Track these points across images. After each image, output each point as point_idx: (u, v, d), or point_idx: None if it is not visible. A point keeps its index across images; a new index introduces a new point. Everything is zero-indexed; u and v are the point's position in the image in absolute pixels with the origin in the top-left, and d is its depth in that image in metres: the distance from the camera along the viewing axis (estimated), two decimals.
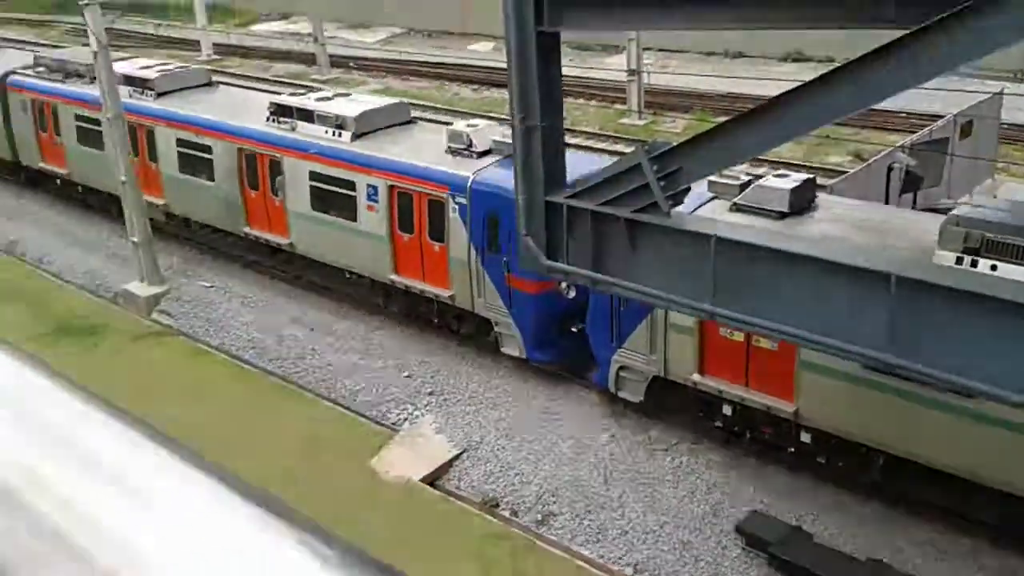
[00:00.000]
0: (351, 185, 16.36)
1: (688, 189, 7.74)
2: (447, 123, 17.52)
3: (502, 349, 15.41)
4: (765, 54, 35.10)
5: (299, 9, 41.16)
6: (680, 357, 12.77)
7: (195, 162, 19.25)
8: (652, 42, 31.86)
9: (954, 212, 10.38)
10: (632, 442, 13.71)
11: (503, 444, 13.90)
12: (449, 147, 15.57)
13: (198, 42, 39.07)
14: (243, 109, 19.07)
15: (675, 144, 7.77)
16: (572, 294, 14.52)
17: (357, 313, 17.73)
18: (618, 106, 29.73)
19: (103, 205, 22.34)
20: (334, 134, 16.98)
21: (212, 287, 19.43)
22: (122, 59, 23.07)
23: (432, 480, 13.36)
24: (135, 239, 18.72)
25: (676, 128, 27.27)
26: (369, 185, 16.05)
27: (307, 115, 17.45)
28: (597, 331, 13.75)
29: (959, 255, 9.72)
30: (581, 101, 30.10)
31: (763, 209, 11.98)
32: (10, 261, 21.40)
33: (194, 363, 16.50)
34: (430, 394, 15.26)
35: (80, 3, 17.73)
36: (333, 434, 14.25)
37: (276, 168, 17.74)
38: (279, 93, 21.11)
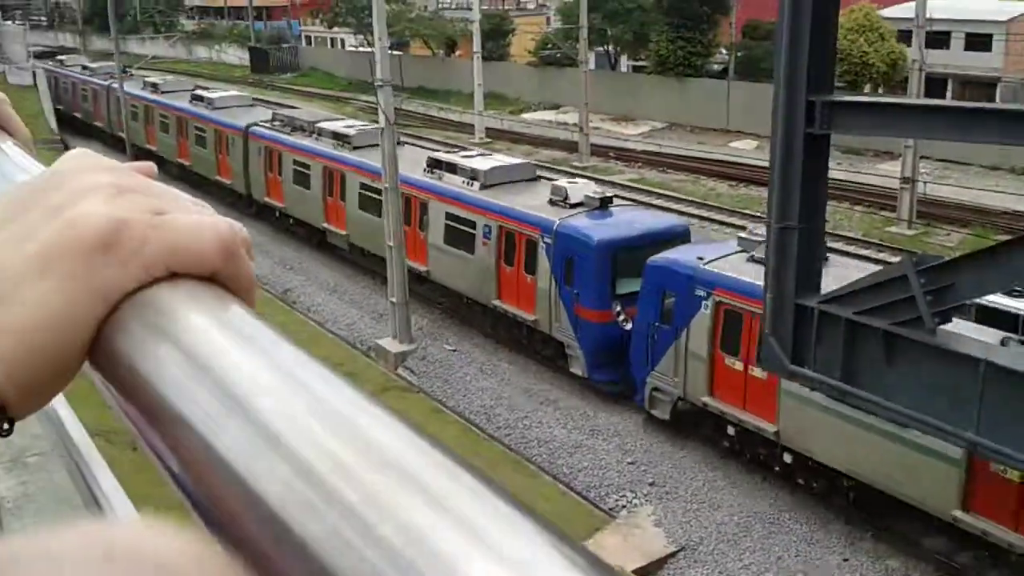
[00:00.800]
0: (472, 224, 19.69)
1: (960, 307, 7.20)
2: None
3: (571, 369, 17.81)
4: None
5: (568, 100, 43.07)
6: (695, 381, 15.12)
7: (370, 203, 22.78)
8: (930, 151, 30.11)
9: None
10: (867, 570, 12.63)
11: (724, 549, 13.29)
12: (550, 199, 18.54)
13: (473, 125, 41.87)
14: (413, 163, 21.96)
15: (947, 259, 7.29)
16: (629, 326, 16.56)
17: (585, 391, 17.85)
18: (886, 214, 28.26)
19: (308, 234, 26.43)
20: (468, 184, 20.33)
21: (455, 351, 20.38)
22: (329, 119, 28.48)
23: (645, 574, 13.00)
24: (393, 299, 20.11)
25: (950, 242, 25.45)
26: (485, 225, 19.37)
27: (452, 167, 21.14)
28: (637, 357, 16.13)
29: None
30: (846, 205, 28.93)
31: None
32: (284, 308, 23.66)
33: (431, 421, 17.27)
34: (651, 484, 14.96)
35: (376, 84, 19.70)
36: (551, 510, 14.30)
37: (424, 209, 21.29)
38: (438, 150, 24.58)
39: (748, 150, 36.91)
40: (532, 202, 18.64)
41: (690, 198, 30.56)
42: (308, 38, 69.74)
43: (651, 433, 16.36)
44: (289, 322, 22.45)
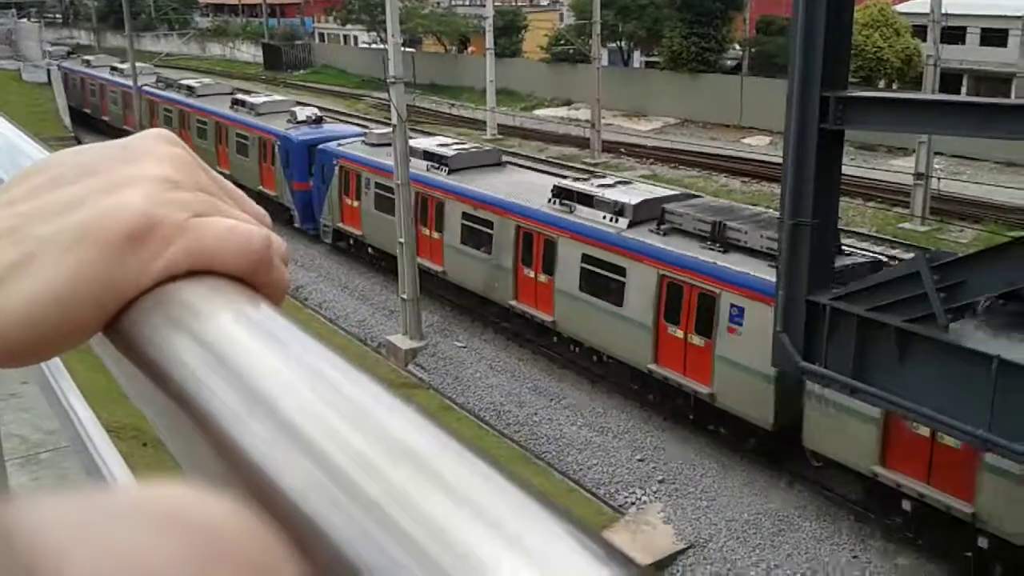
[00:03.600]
0: (247, 138, 29.63)
1: (974, 304, 7.17)
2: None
3: (294, 224, 27.18)
4: None
5: (581, 97, 42.97)
6: (335, 215, 25.42)
7: (202, 133, 32.60)
8: (944, 147, 29.92)
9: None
10: (876, 568, 12.60)
11: (734, 547, 13.28)
12: (287, 119, 28.38)
13: (485, 122, 41.85)
14: (225, 101, 32.38)
15: (960, 255, 7.26)
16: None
17: (595, 388, 17.85)
18: (899, 210, 28.12)
19: None
20: (249, 113, 30.17)
21: (465, 347, 20.40)
22: (190, 78, 38.37)
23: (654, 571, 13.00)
24: (404, 295, 20.15)
25: (963, 239, 25.31)
26: (252, 138, 29.55)
27: (243, 104, 31.08)
28: (317, 208, 26.44)
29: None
30: (859, 202, 28.79)
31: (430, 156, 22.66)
32: (294, 305, 23.70)
33: (440, 417, 17.13)
34: (661, 481, 14.96)
35: (388, 81, 19.70)
36: None
37: (226, 132, 31.26)
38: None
39: (761, 146, 36.77)
40: (280, 123, 28.49)
41: (702, 194, 30.45)
42: (321, 35, 69.83)
43: (661, 430, 16.35)
44: (300, 319, 22.48)
